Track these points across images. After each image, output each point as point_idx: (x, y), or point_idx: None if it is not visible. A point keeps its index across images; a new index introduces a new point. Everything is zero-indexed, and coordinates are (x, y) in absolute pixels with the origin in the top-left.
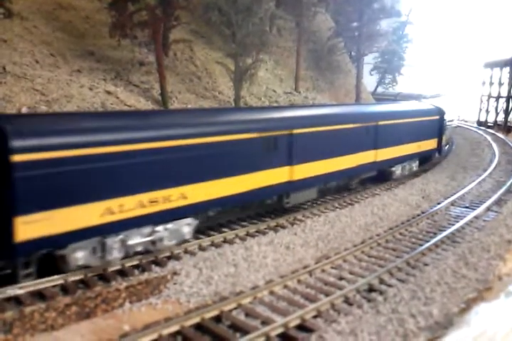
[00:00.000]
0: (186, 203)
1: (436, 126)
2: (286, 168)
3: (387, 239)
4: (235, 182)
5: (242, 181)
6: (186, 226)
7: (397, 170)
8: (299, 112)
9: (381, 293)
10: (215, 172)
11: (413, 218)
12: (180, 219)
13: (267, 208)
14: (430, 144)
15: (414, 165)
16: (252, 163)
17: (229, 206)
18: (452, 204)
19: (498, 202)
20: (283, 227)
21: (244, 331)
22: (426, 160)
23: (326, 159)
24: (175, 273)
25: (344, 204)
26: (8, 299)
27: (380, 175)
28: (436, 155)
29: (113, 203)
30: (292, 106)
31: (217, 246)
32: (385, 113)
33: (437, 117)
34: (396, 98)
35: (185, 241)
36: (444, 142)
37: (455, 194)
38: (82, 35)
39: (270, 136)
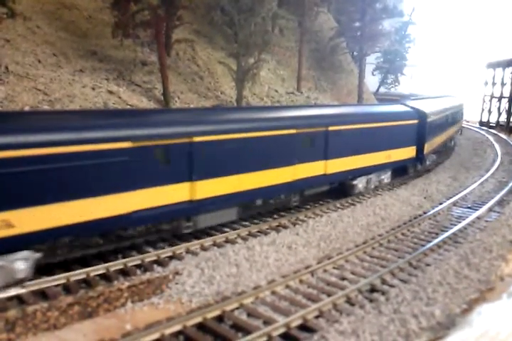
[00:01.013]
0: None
1: (413, 132)
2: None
3: (389, 240)
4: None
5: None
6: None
7: (360, 183)
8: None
9: (383, 293)
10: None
11: (415, 218)
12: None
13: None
14: (406, 153)
15: (385, 177)
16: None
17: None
18: (454, 204)
19: (501, 203)
20: (285, 227)
21: (246, 331)
22: (403, 172)
23: (244, 173)
24: (177, 273)
25: (346, 204)
26: (11, 298)
27: (337, 190)
28: (418, 166)
29: None
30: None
31: (219, 246)
32: (338, 116)
33: (416, 121)
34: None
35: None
36: (430, 150)
37: (457, 194)
38: (85, 35)
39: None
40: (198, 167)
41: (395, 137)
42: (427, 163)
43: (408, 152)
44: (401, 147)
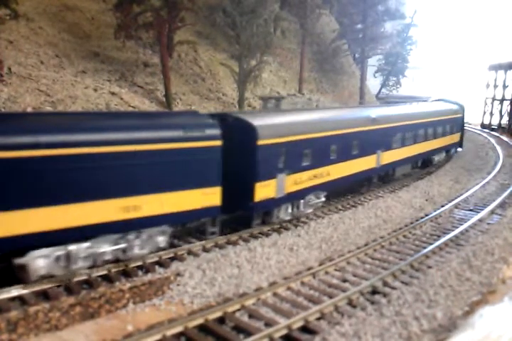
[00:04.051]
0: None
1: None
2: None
3: (390, 242)
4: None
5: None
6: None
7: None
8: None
9: (385, 295)
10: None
11: (417, 221)
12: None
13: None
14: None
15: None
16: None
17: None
18: (456, 207)
19: (502, 205)
20: (286, 229)
21: (248, 332)
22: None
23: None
24: (178, 274)
25: (348, 206)
26: (13, 299)
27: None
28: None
29: None
30: None
31: (220, 247)
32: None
33: (218, 143)
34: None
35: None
36: (288, 192)
37: (459, 197)
38: (87, 37)
39: None
40: None
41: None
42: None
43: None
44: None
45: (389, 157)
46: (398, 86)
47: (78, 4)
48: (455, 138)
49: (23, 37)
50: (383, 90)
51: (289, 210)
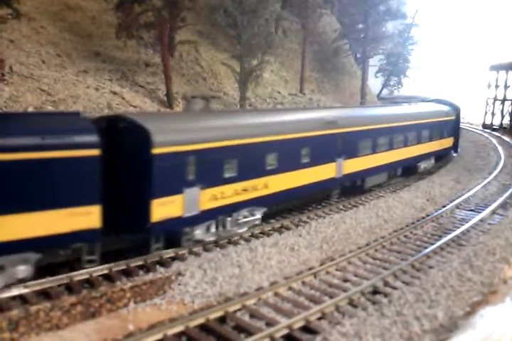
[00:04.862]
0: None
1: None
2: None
3: (391, 242)
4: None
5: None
6: None
7: None
8: None
9: (386, 295)
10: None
11: (418, 221)
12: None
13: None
14: None
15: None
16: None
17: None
18: (457, 207)
19: (504, 206)
20: (287, 229)
21: (249, 332)
22: None
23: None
24: (179, 274)
25: (349, 206)
26: (14, 298)
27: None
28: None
29: None
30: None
31: (221, 247)
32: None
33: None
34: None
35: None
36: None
37: (460, 197)
38: (89, 36)
39: None
40: None
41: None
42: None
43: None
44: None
45: (355, 165)
46: (399, 86)
47: (80, 4)
48: (446, 142)
49: (25, 36)
50: (384, 90)
51: (213, 230)
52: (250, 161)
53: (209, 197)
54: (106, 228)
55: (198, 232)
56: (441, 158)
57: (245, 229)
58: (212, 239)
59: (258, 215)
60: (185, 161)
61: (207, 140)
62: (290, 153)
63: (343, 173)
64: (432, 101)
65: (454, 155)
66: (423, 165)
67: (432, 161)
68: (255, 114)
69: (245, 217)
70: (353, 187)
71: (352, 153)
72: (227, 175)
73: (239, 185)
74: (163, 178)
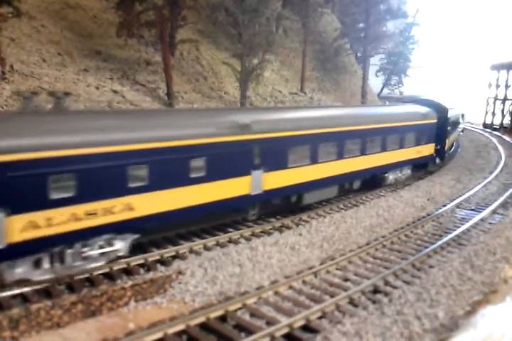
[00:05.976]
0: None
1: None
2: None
3: (392, 241)
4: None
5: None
6: None
7: None
8: None
9: (386, 294)
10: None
11: (418, 220)
12: None
13: None
14: None
15: None
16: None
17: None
18: (458, 206)
19: (504, 205)
20: (288, 228)
21: (249, 331)
22: None
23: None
24: (180, 273)
25: (349, 205)
26: (15, 296)
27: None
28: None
29: None
30: None
31: (222, 245)
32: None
33: None
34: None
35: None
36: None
37: (461, 196)
38: (90, 35)
39: None
40: None
41: None
42: None
43: None
44: None
45: (283, 179)
46: (400, 85)
47: (80, 2)
48: (425, 149)
49: (25, 35)
50: (385, 89)
51: (46, 266)
52: (99, 177)
53: (23, 226)
54: None
55: (19, 271)
56: (423, 166)
57: (102, 262)
58: (44, 277)
59: (119, 245)
60: None
61: (15, 150)
62: (170, 166)
63: (264, 189)
64: (414, 101)
65: (437, 162)
66: (392, 177)
67: (408, 171)
68: (113, 116)
69: (101, 248)
70: (286, 205)
71: (277, 164)
72: (54, 196)
73: (78, 209)
74: None
